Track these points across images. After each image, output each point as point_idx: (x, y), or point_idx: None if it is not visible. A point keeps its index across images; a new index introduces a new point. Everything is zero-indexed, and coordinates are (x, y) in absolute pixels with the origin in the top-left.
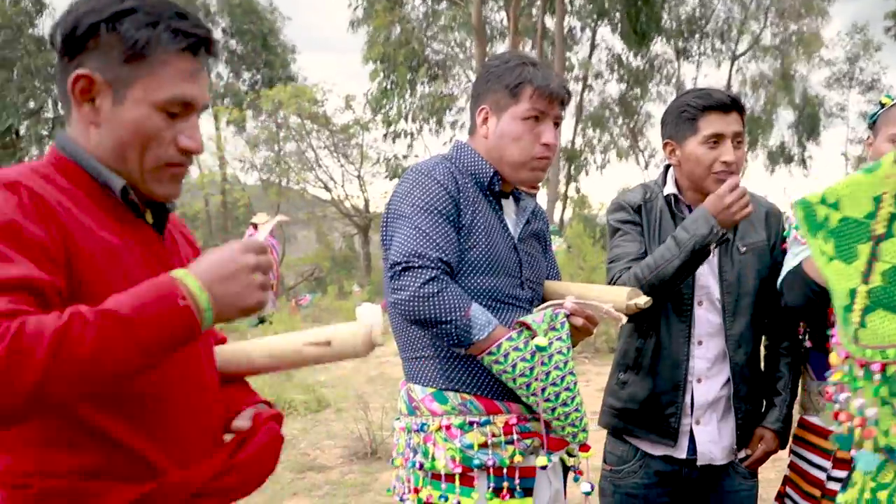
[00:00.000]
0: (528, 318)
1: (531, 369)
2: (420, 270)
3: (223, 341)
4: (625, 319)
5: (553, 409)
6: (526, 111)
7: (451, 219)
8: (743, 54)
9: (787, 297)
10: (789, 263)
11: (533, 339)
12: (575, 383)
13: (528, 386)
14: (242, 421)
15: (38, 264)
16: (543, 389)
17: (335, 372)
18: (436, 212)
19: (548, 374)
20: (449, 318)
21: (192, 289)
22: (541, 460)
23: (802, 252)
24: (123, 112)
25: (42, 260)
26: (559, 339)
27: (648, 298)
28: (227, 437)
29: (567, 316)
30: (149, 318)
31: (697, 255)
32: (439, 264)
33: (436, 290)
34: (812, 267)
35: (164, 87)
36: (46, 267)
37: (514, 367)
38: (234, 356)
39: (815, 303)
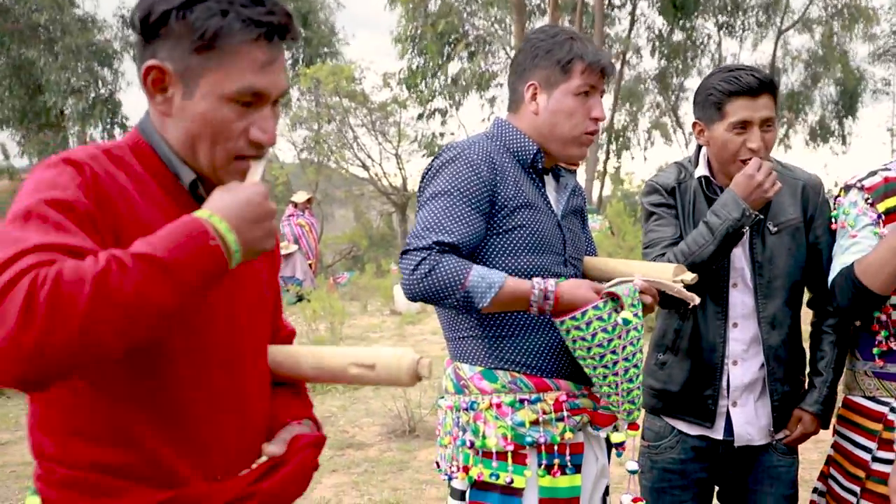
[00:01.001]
0: (618, 290)
1: (609, 341)
2: (413, 253)
3: (292, 334)
4: (697, 300)
5: (618, 384)
6: (578, 87)
7: (474, 200)
8: (789, 28)
9: (839, 300)
10: (839, 259)
11: (617, 312)
12: (642, 361)
13: (602, 357)
14: (276, 447)
15: (91, 238)
16: (615, 363)
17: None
18: (456, 194)
19: (623, 348)
20: (446, 295)
21: (221, 230)
22: (618, 436)
23: (852, 247)
24: (193, 105)
25: (94, 236)
26: (636, 315)
27: (695, 275)
28: (261, 460)
29: None
30: (183, 259)
31: (731, 239)
32: (433, 245)
33: (426, 271)
34: (864, 270)
35: (233, 79)
36: (98, 243)
37: (593, 336)
38: (286, 360)
39: (867, 306)
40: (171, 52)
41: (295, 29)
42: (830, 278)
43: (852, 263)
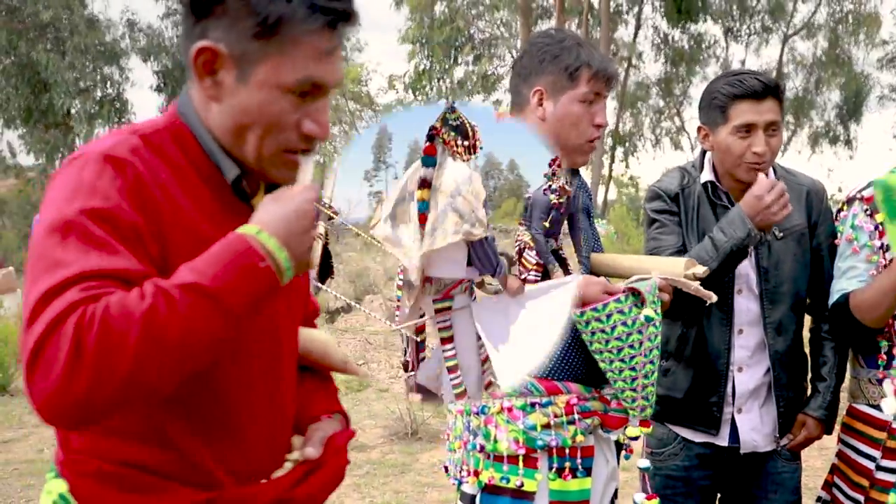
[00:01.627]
0: (640, 286)
1: (628, 335)
2: None
3: (316, 311)
4: (715, 298)
5: (634, 379)
6: (584, 94)
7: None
8: (795, 34)
9: (838, 327)
10: (838, 282)
11: (638, 307)
12: (658, 358)
13: (620, 351)
14: (312, 449)
15: (136, 254)
16: (632, 358)
17: None
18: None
19: (641, 343)
20: None
21: (270, 248)
22: (633, 430)
23: (849, 272)
24: (246, 92)
25: (139, 250)
26: (656, 311)
27: (706, 268)
28: (294, 456)
29: None
30: (232, 286)
31: (735, 257)
32: None
33: None
34: (857, 306)
35: (294, 69)
36: (142, 258)
37: (613, 329)
38: (313, 345)
39: (865, 335)
40: (226, 34)
41: (358, 14)
42: (830, 302)
43: (848, 296)
